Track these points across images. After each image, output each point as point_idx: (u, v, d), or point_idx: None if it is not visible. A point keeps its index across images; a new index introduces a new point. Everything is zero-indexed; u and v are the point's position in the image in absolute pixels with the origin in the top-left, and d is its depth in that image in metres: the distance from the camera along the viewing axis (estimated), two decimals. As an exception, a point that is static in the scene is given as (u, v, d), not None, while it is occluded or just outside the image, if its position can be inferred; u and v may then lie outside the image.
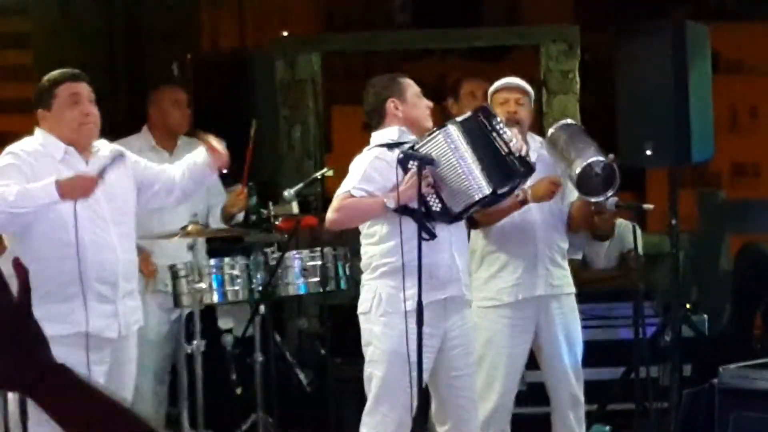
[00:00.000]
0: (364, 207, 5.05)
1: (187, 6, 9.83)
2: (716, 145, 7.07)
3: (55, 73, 4.90)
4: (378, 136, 5.22)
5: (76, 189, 4.56)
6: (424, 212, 4.93)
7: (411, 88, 5.25)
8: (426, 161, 4.96)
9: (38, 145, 4.76)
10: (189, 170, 5.04)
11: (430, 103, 5.28)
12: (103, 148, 4.91)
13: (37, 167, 4.66)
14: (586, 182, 5.38)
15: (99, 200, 4.71)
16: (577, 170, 5.34)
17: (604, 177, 5.38)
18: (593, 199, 5.47)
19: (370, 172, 5.08)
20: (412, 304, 4.94)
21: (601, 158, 5.36)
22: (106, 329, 4.72)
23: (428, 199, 4.98)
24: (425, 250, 4.86)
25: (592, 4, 9.48)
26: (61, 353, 4.77)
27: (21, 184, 4.60)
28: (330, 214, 5.10)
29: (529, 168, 5.14)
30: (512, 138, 5.10)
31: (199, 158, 5.07)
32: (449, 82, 6.62)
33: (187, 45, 10.52)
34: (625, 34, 7.10)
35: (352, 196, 5.04)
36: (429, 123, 5.21)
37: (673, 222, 6.84)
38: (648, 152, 6.71)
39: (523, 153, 5.10)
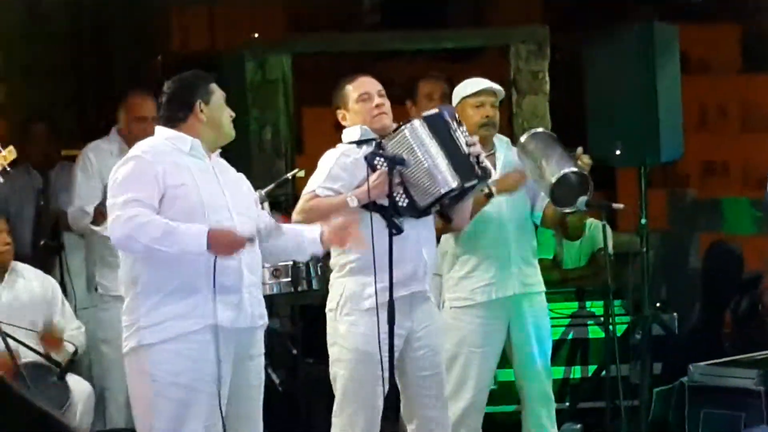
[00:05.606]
0: (327, 207, 5.05)
1: (157, 7, 9.79)
2: (685, 144, 7.10)
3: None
4: (345, 134, 5.25)
5: (224, 246, 4.38)
6: (391, 207, 4.94)
7: (352, 94, 5.21)
8: (396, 161, 4.97)
9: (163, 140, 4.60)
10: (291, 239, 4.83)
11: (380, 101, 5.19)
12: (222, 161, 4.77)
13: (168, 161, 4.49)
14: (559, 193, 5.41)
15: (223, 190, 4.59)
16: (552, 180, 5.37)
17: (577, 186, 5.42)
18: (567, 210, 5.52)
19: (335, 170, 5.12)
20: (374, 302, 4.96)
21: (574, 169, 5.40)
22: (235, 320, 4.53)
23: (395, 194, 4.99)
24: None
25: (560, 4, 9.50)
26: (192, 349, 4.61)
27: (155, 195, 4.43)
28: (296, 216, 5.13)
29: (485, 173, 5.16)
30: (473, 143, 5.14)
31: (309, 233, 4.84)
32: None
33: (156, 46, 10.50)
34: (594, 34, 7.14)
35: (317, 195, 5.08)
36: (378, 123, 5.17)
37: (643, 221, 6.87)
38: (618, 152, 6.75)
39: (481, 159, 5.14)
